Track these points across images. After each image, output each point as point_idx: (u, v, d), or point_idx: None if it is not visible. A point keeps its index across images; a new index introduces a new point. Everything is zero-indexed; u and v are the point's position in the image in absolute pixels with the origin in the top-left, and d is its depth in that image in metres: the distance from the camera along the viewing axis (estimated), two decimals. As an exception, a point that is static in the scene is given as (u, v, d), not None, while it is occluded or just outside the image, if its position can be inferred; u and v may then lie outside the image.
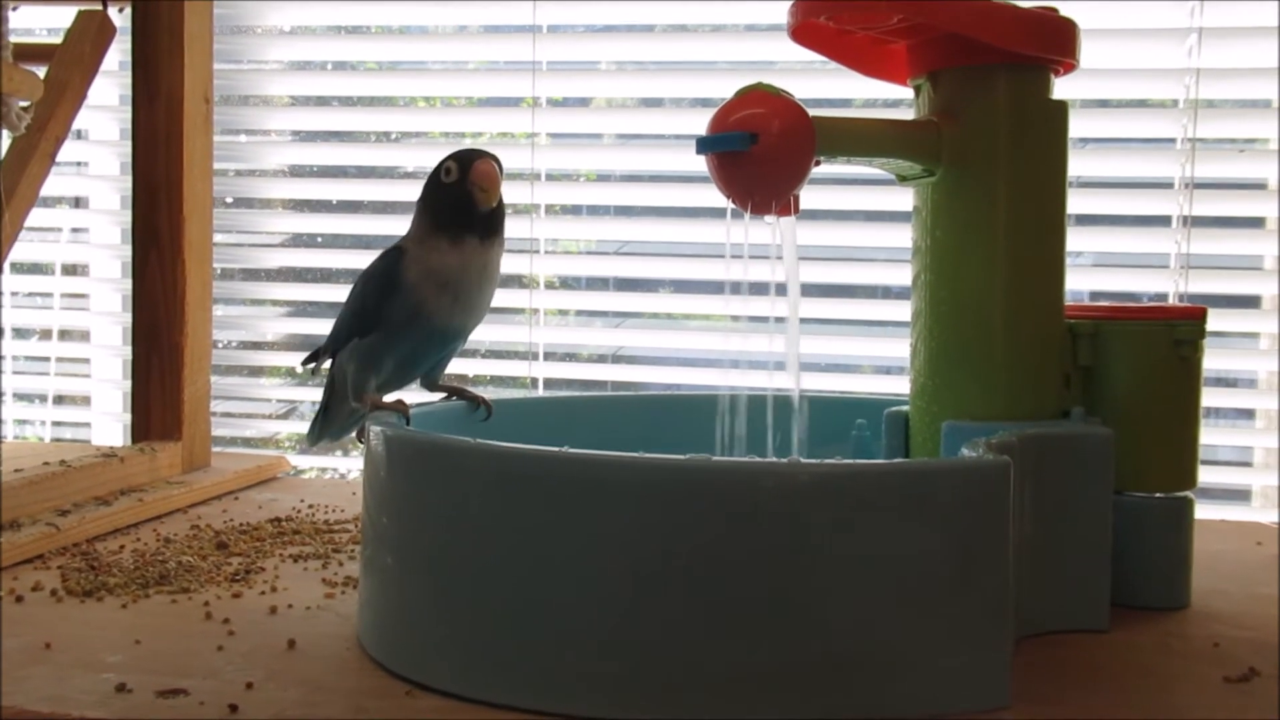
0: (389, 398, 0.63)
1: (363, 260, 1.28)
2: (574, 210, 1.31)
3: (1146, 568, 0.59)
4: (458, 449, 0.49)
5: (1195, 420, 0.61)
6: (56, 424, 1.47)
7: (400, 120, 1.34)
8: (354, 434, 0.70)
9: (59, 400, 1.45)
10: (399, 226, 1.37)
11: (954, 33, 0.56)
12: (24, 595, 0.60)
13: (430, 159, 1.29)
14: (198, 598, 0.60)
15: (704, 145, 0.54)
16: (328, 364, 0.69)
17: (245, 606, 0.59)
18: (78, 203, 1.40)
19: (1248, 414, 1.18)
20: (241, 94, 1.29)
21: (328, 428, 0.70)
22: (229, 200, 1.31)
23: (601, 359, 1.32)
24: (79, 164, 1.37)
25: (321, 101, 1.34)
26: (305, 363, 0.72)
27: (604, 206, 1.32)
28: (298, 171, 1.34)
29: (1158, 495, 0.60)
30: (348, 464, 1.40)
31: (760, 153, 0.53)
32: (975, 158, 0.58)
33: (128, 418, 1.31)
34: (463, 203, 0.62)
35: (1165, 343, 0.59)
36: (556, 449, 0.46)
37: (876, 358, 1.23)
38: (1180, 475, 0.60)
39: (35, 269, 1.44)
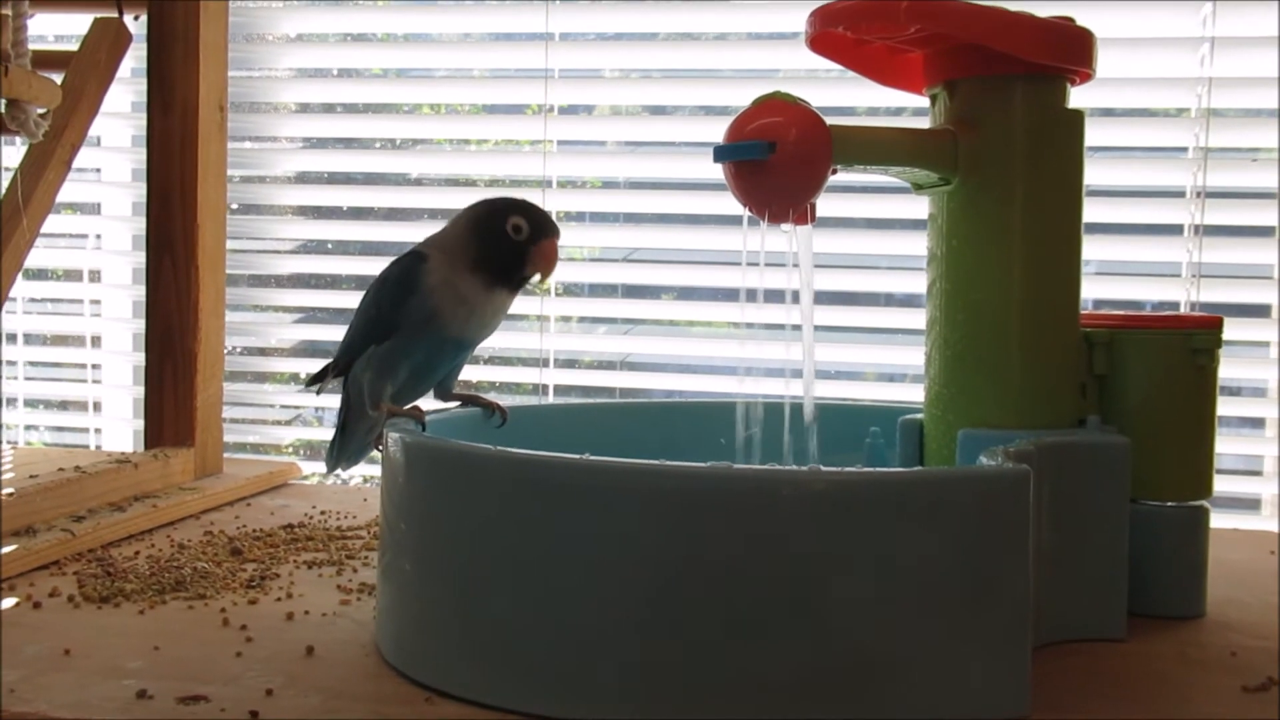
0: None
1: (371, 266, 1.30)
2: (578, 217, 1.31)
3: (1162, 576, 0.59)
4: (478, 456, 0.49)
5: (1211, 429, 0.61)
6: (65, 429, 1.48)
7: (408, 127, 1.34)
8: (372, 445, 0.69)
9: (68, 405, 1.46)
10: (408, 232, 1.37)
11: (971, 43, 0.56)
12: (41, 601, 0.61)
13: (437, 166, 1.31)
14: (214, 604, 0.60)
15: (721, 154, 0.55)
16: (334, 380, 0.69)
17: (262, 613, 0.59)
18: (84, 209, 1.41)
19: (1255, 422, 1.18)
20: (250, 101, 1.29)
21: (346, 448, 0.69)
22: (234, 206, 1.31)
23: (610, 365, 1.32)
24: (86, 170, 1.38)
25: (328, 108, 1.34)
26: (310, 384, 0.70)
27: (612, 214, 1.32)
28: (305, 178, 1.34)
29: (1169, 504, 0.60)
30: (350, 469, 1.40)
31: (778, 162, 0.53)
32: (992, 167, 0.58)
33: (138, 423, 1.31)
34: (517, 261, 0.63)
35: (1182, 352, 0.59)
36: (577, 456, 0.46)
37: (880, 365, 1.23)
38: (1195, 484, 0.60)
39: (45, 274, 1.45)
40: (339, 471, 0.72)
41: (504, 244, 0.62)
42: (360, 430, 0.68)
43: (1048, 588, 0.53)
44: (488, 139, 1.31)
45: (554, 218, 0.64)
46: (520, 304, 1.23)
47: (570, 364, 1.29)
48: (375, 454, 0.66)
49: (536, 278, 0.64)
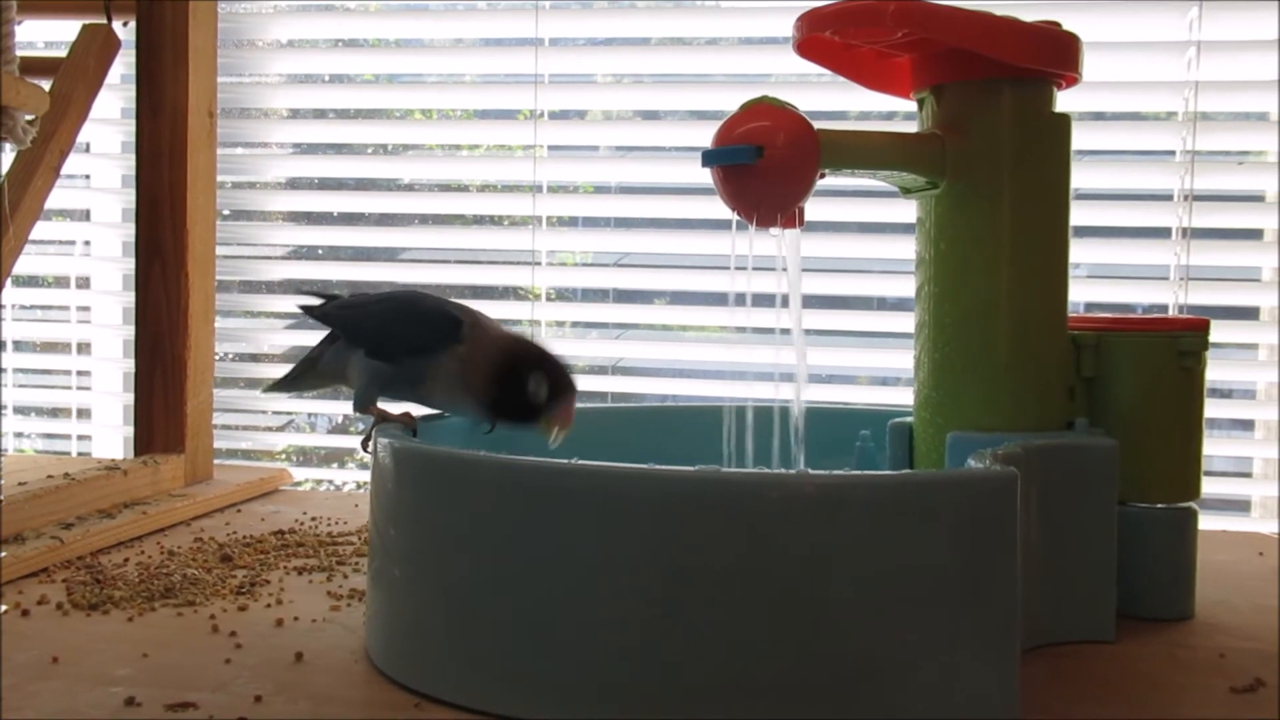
0: (394, 409, 0.63)
1: (364, 271, 1.30)
2: (569, 222, 1.31)
3: (1151, 578, 0.59)
4: (467, 462, 0.49)
5: (1198, 431, 0.61)
6: (54, 436, 1.47)
7: (399, 132, 1.34)
8: (360, 442, 0.69)
9: (57, 412, 1.45)
10: (399, 238, 1.35)
11: (958, 47, 0.56)
12: (30, 609, 0.60)
13: (428, 171, 1.31)
14: (204, 611, 0.60)
15: (710, 158, 0.55)
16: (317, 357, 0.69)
17: (251, 619, 0.59)
18: (78, 216, 1.40)
19: (1246, 425, 1.18)
20: (240, 106, 1.29)
21: (292, 383, 0.70)
22: (225, 213, 1.31)
23: (602, 370, 1.32)
24: (76, 176, 1.38)
25: (319, 113, 1.34)
26: (308, 310, 0.69)
27: (603, 218, 1.32)
28: (296, 184, 1.34)
29: (1158, 506, 0.60)
30: (344, 475, 1.40)
31: (766, 166, 0.53)
32: (979, 170, 0.58)
33: (128, 430, 1.31)
34: (531, 416, 0.61)
35: (1168, 354, 0.59)
36: (566, 461, 0.46)
37: (871, 369, 1.23)
38: (1183, 486, 0.61)
39: (35, 281, 1.44)
40: (273, 393, 0.72)
41: (521, 400, 0.60)
42: (305, 384, 0.70)
43: (1036, 590, 0.53)
44: (479, 144, 1.31)
45: (570, 375, 0.61)
46: (512, 309, 1.24)
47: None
48: (365, 455, 0.65)
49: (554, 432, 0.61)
